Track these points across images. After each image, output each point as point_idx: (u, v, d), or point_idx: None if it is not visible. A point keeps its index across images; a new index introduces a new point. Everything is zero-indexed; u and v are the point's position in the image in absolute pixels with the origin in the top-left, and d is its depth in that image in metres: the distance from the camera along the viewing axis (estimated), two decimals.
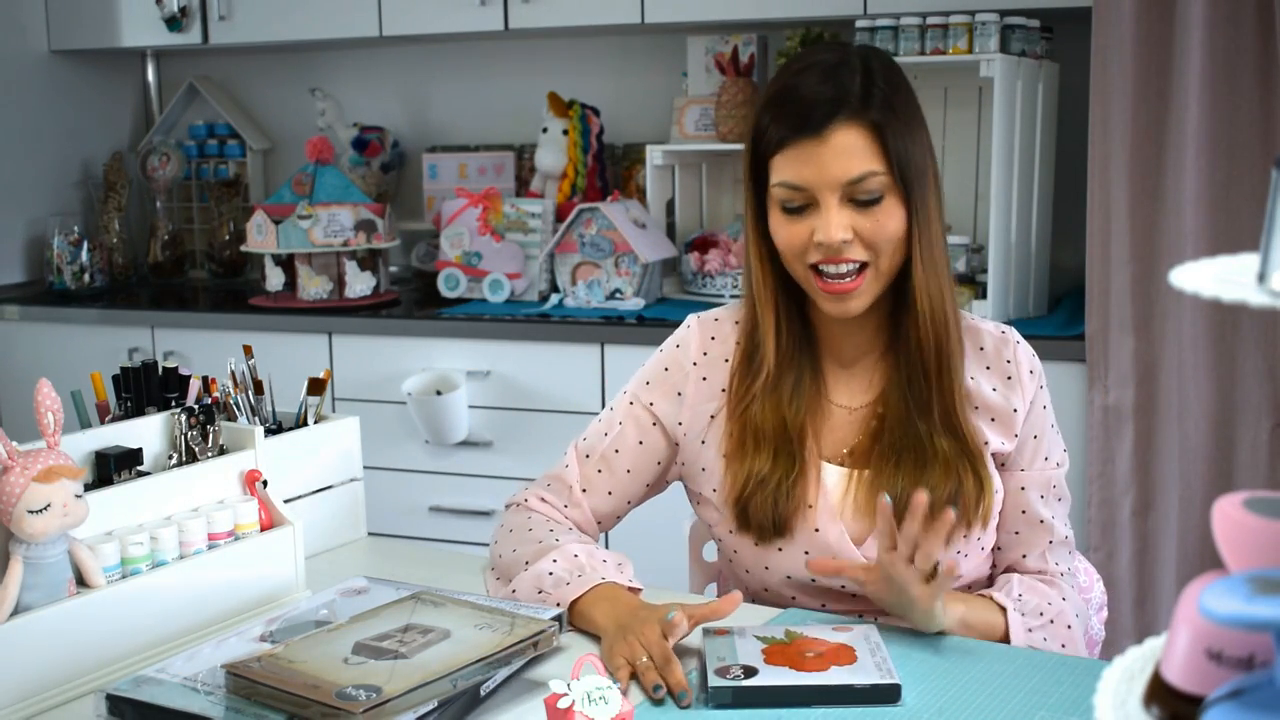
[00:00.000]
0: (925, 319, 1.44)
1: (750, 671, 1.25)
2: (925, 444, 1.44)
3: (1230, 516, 0.63)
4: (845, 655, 1.28)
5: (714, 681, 1.22)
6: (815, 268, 1.42)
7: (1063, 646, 1.47)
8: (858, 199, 1.39)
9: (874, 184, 1.39)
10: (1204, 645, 0.63)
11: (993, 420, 1.48)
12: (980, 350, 1.49)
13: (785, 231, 1.43)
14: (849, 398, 1.52)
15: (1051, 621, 1.46)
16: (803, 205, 1.41)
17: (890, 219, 1.40)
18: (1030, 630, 1.44)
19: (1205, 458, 2.48)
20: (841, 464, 1.49)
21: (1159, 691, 0.65)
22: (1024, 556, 1.52)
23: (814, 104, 1.39)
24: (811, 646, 1.30)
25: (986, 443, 1.47)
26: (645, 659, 1.26)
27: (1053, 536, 1.51)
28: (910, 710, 1.20)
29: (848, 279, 1.41)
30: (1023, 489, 1.50)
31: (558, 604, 1.39)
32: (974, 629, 1.41)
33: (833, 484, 1.48)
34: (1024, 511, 1.50)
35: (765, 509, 1.45)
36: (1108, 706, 0.66)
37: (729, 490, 1.49)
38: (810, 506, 1.46)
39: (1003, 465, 1.50)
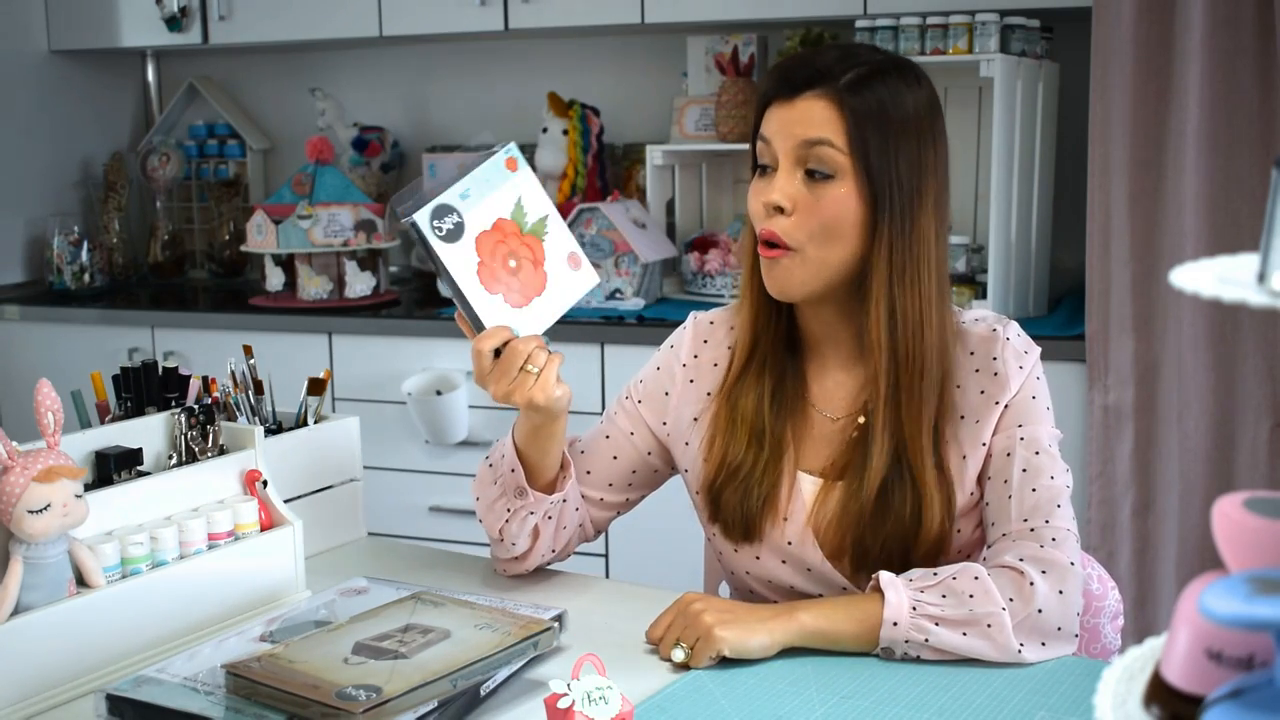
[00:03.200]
0: (880, 326, 1.37)
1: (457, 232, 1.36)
2: (893, 461, 1.39)
3: (1230, 516, 0.63)
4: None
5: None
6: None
7: (970, 610, 1.27)
8: (808, 170, 1.37)
9: (827, 155, 1.35)
10: (1204, 645, 0.63)
11: (977, 422, 1.42)
12: (970, 354, 1.44)
13: (750, 194, 1.42)
14: (833, 407, 1.47)
15: (954, 577, 1.30)
16: (767, 165, 1.40)
17: (835, 205, 1.35)
18: (921, 586, 1.29)
19: (1205, 458, 2.48)
20: (820, 475, 1.46)
21: (1159, 691, 0.65)
22: (992, 524, 1.39)
23: (794, 69, 1.39)
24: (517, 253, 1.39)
25: (965, 456, 1.41)
26: (531, 367, 1.37)
27: (1013, 493, 1.38)
28: (910, 710, 1.20)
29: (775, 247, 1.39)
30: (990, 455, 1.40)
31: (510, 468, 1.45)
32: (841, 631, 1.31)
33: (808, 495, 1.45)
34: (989, 478, 1.40)
35: (735, 501, 1.45)
36: (1108, 706, 0.66)
37: (704, 475, 1.49)
38: (785, 519, 1.44)
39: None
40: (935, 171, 1.39)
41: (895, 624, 1.29)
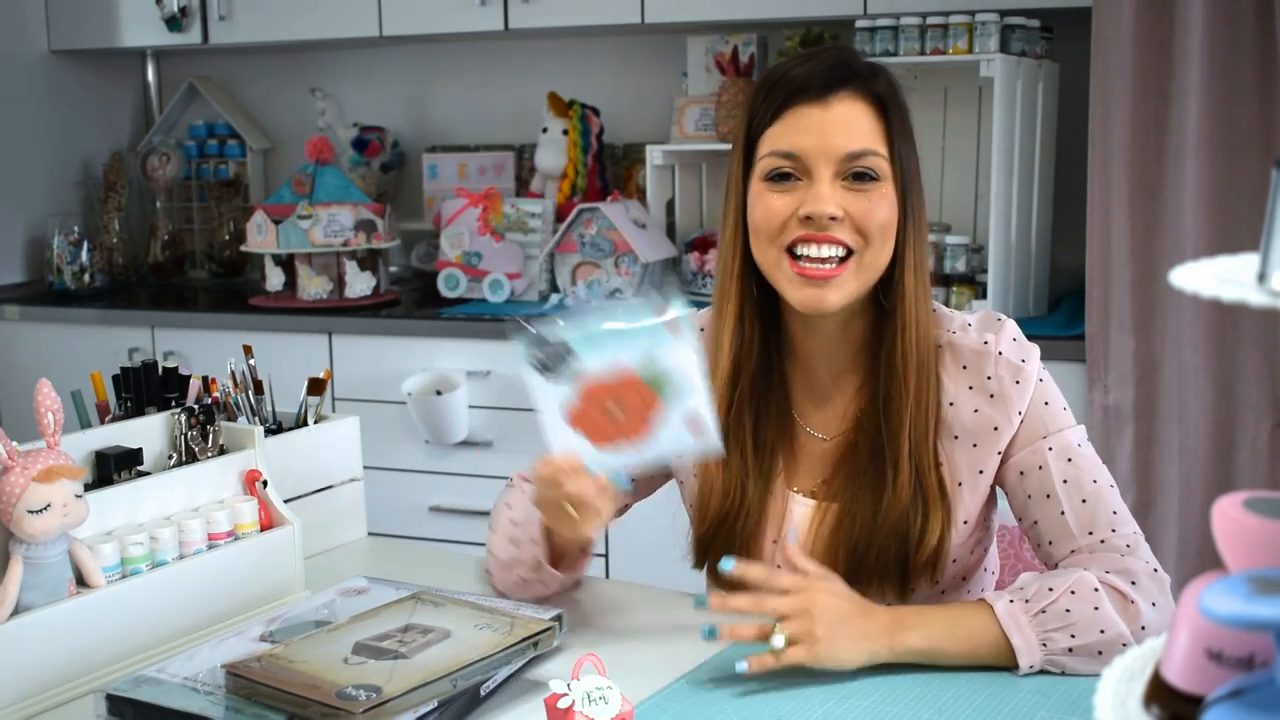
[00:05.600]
0: (911, 329, 1.34)
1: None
2: (888, 475, 1.34)
3: (1230, 516, 0.63)
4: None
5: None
6: (791, 251, 1.31)
7: (1101, 632, 1.24)
8: (853, 177, 1.31)
9: (873, 163, 1.31)
10: (1204, 645, 0.63)
11: (974, 446, 1.36)
12: (963, 369, 1.37)
13: (764, 205, 1.32)
14: (824, 426, 1.42)
15: (1073, 593, 1.25)
16: (791, 175, 1.31)
17: (883, 203, 1.31)
18: (1037, 612, 1.24)
19: (1205, 458, 2.48)
20: (812, 495, 1.42)
21: (1159, 691, 0.65)
22: (1050, 543, 1.35)
23: (815, 72, 1.31)
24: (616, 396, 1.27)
25: (961, 483, 1.37)
26: (567, 506, 1.27)
27: (1065, 508, 1.34)
28: (910, 710, 1.20)
29: (829, 264, 1.30)
30: (1021, 473, 1.36)
31: (531, 539, 1.39)
32: (948, 652, 1.26)
33: (800, 518, 1.41)
34: (1030, 497, 1.35)
35: (723, 553, 1.40)
36: (1108, 706, 0.66)
37: (694, 526, 1.46)
38: (774, 541, 1.41)
39: (999, 482, 1.40)
40: (919, 166, 1.38)
41: (1031, 666, 1.25)
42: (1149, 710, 0.65)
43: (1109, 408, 2.53)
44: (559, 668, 1.30)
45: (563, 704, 1.12)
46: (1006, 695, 1.22)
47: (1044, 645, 1.25)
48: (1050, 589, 1.27)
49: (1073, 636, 1.25)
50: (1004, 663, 1.26)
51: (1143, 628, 1.25)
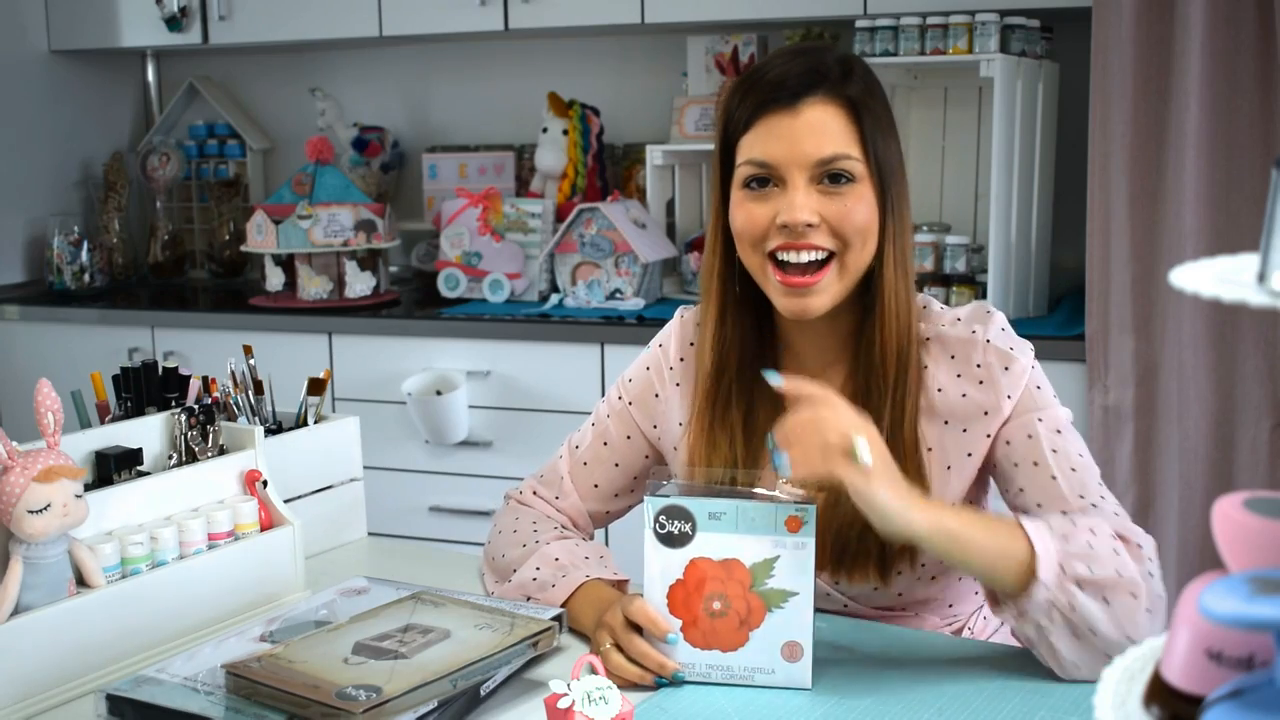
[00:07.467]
0: (891, 322, 1.36)
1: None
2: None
3: (1230, 516, 0.63)
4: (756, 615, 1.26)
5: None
6: (774, 257, 1.34)
7: (1117, 574, 1.21)
8: (827, 181, 1.33)
9: (846, 166, 1.32)
10: (1204, 645, 0.63)
11: (964, 431, 1.37)
12: (951, 359, 1.39)
13: (744, 213, 1.35)
14: None
15: (1093, 532, 1.24)
16: (767, 182, 1.34)
17: (860, 205, 1.33)
18: (1061, 535, 1.22)
19: (1205, 458, 2.48)
20: (800, 485, 1.38)
21: (1159, 691, 0.65)
22: (1039, 505, 1.34)
23: (786, 77, 1.33)
24: (718, 586, 1.26)
25: (949, 466, 1.37)
26: (608, 645, 1.27)
27: (1055, 473, 1.33)
28: (910, 710, 1.20)
29: (809, 271, 1.33)
30: (1008, 443, 1.36)
31: (553, 587, 1.39)
32: (977, 543, 1.21)
33: None
34: (1016, 465, 1.35)
35: None
36: (1108, 706, 0.66)
37: None
38: None
39: (987, 464, 1.40)
40: (903, 159, 1.39)
41: (1046, 586, 1.20)
42: (1149, 710, 0.65)
43: (1109, 408, 2.53)
44: (559, 668, 1.30)
45: (563, 704, 1.12)
46: (1006, 696, 1.23)
47: (1062, 568, 1.21)
48: (1073, 523, 1.25)
49: (1090, 569, 1.21)
50: (1016, 580, 1.21)
51: (1150, 574, 1.24)
